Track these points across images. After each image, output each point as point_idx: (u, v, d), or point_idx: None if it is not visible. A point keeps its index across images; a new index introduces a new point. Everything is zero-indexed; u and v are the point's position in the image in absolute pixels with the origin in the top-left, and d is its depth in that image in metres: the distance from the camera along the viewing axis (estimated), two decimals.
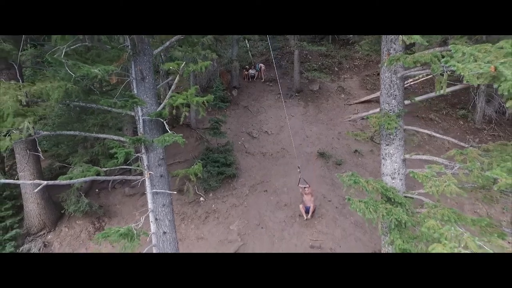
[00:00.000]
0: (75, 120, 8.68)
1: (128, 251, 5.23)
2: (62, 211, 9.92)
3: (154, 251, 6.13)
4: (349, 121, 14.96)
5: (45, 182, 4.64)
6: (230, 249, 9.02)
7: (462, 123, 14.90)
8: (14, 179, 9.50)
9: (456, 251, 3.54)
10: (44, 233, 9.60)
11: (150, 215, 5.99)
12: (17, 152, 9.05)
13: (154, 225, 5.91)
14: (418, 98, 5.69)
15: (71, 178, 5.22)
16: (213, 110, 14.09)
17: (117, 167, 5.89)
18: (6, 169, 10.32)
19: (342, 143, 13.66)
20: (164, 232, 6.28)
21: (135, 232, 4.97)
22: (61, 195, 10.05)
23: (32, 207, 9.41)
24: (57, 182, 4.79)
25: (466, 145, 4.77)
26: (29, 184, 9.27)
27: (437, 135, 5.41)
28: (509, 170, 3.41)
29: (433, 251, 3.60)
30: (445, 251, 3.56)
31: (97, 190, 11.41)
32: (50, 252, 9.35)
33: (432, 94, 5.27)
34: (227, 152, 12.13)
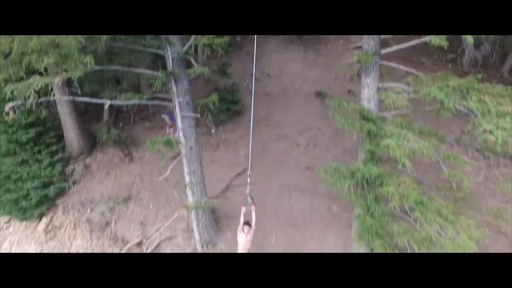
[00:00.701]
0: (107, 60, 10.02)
1: (164, 161, 7.06)
2: (96, 141, 11.77)
3: (184, 161, 7.96)
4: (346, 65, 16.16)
5: (109, 102, 6.24)
6: (239, 169, 10.96)
7: (450, 66, 16.12)
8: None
9: (400, 143, 5.25)
10: (83, 157, 11.48)
11: (180, 133, 7.72)
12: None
13: (183, 140, 7.65)
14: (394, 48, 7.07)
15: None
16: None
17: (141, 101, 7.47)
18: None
19: (339, 84, 15.07)
20: (191, 147, 8.04)
21: (173, 140, 6.72)
22: (93, 127, 11.83)
23: (72, 135, 11.19)
24: (117, 102, 6.39)
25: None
26: (67, 116, 10.97)
27: (403, 68, 6.90)
28: (439, 88, 4.99)
29: (385, 144, 5.32)
30: (393, 144, 5.27)
31: (121, 124, 13.10)
32: (90, 173, 11.30)
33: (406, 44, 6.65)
34: (233, 92, 13.64)
